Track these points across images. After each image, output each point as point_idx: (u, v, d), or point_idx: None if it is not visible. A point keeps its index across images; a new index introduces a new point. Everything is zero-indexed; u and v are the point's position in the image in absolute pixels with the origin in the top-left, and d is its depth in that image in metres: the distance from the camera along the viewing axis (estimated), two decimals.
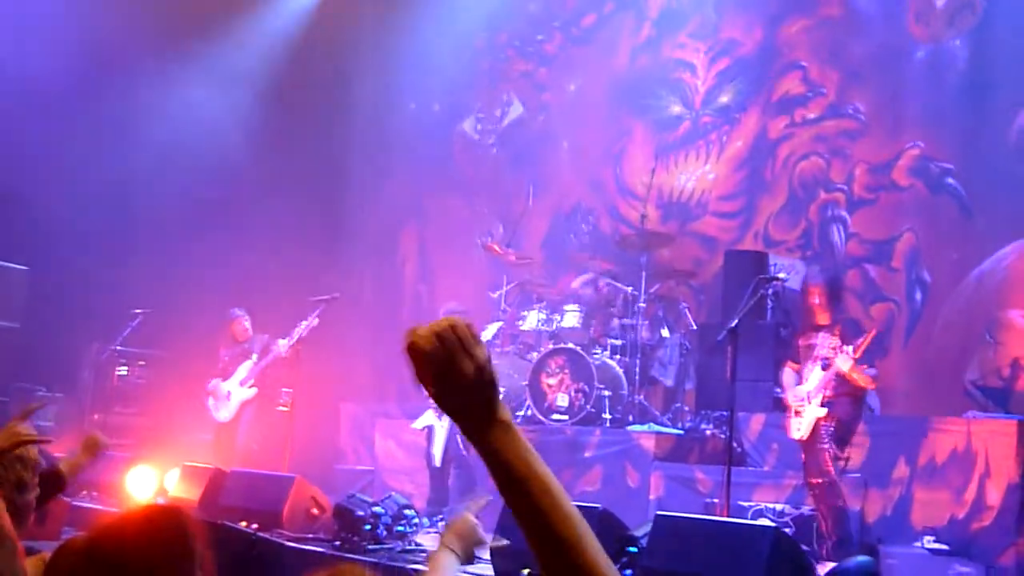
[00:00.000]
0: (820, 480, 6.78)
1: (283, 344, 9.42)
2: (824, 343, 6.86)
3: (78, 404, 11.48)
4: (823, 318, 6.91)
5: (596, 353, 9.06)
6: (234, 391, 9.84)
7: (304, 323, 9.16)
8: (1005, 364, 7.98)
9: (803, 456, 6.94)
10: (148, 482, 8.49)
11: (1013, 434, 6.89)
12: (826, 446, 6.79)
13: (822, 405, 6.71)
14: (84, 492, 8.61)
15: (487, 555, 6.31)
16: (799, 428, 6.84)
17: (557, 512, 1.57)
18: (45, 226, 10.91)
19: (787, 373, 7.14)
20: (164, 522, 2.25)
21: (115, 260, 11.01)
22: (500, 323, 9.06)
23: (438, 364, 1.52)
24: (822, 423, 6.78)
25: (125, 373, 11.42)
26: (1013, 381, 7.90)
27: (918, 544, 6.92)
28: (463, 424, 1.56)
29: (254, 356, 9.84)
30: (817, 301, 6.90)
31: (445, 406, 1.56)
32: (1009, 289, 8.13)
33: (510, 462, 1.57)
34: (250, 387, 9.80)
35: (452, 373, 1.53)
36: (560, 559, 1.56)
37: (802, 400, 6.82)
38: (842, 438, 6.86)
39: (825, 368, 6.74)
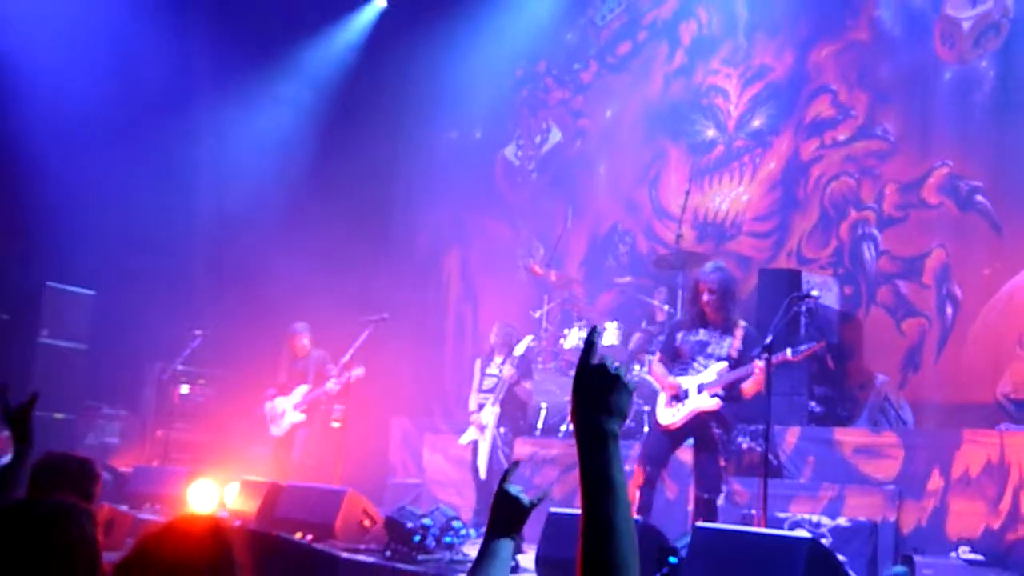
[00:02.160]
0: (708, 496, 6.68)
1: (332, 385, 9.55)
2: (719, 342, 6.78)
3: (141, 421, 11.62)
4: (714, 316, 6.83)
5: (635, 369, 9.02)
6: (288, 411, 9.89)
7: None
8: None
9: (645, 446, 6.96)
10: (208, 496, 8.54)
11: None
12: (722, 463, 6.75)
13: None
14: (147, 505, 8.71)
15: (532, 564, 6.30)
16: (675, 415, 6.77)
17: (616, 519, 1.77)
18: (109, 252, 11.07)
19: (657, 364, 7.09)
20: (205, 531, 2.27)
21: (176, 283, 11.14)
22: (531, 336, 9.02)
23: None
24: (714, 429, 6.70)
25: (186, 391, 11.53)
26: None
27: (953, 555, 6.79)
28: (592, 410, 1.85)
29: (307, 386, 9.86)
30: (706, 299, 6.81)
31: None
32: None
33: (599, 458, 1.81)
34: (302, 412, 9.85)
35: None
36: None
37: (681, 388, 6.75)
38: (726, 446, 6.90)
39: (733, 366, 6.66)
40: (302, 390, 9.87)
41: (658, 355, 7.22)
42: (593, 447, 1.82)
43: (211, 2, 11.26)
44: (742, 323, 6.90)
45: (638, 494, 6.74)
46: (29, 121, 10.86)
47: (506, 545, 2.50)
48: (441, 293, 12.83)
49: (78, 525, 2.38)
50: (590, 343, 1.91)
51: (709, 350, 6.84)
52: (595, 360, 1.89)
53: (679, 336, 6.99)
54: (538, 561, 6.23)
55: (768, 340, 6.51)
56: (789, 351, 6.50)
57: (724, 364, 6.76)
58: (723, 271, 7.03)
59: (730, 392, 6.75)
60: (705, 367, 6.82)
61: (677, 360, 6.95)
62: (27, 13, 10.80)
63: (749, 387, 6.66)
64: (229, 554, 2.25)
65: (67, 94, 10.71)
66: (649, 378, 8.96)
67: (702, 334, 6.89)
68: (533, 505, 2.54)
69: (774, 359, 6.46)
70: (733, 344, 6.74)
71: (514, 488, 2.53)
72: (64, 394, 10.96)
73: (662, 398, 6.93)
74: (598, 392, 1.86)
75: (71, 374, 11.11)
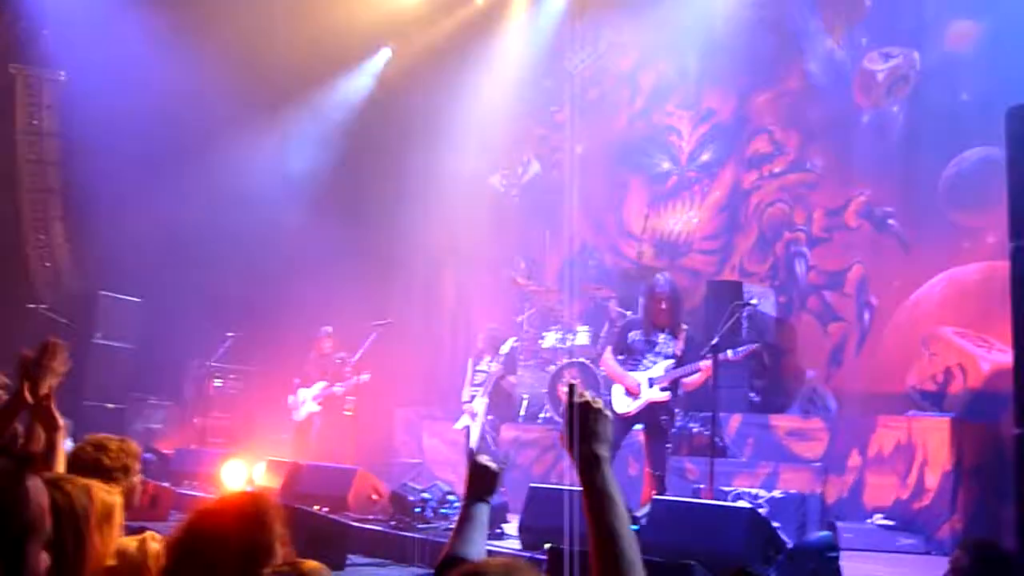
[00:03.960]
0: (659, 473, 6.74)
1: (338, 388, 9.70)
2: (667, 342, 6.87)
3: (182, 410, 11.60)
4: (665, 322, 6.93)
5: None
6: (307, 402, 9.96)
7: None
8: (939, 372, 7.95)
9: (644, 443, 6.96)
10: (239, 473, 8.54)
11: (946, 429, 6.89)
12: (669, 446, 6.88)
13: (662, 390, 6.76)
14: (187, 482, 8.71)
15: (515, 531, 6.37)
16: (630, 405, 6.79)
17: (619, 527, 1.82)
18: (154, 265, 11.07)
19: (609, 357, 7.10)
20: (250, 505, 2.30)
21: (211, 293, 11.13)
22: (515, 338, 9.09)
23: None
24: (662, 417, 6.80)
25: (220, 384, 11.52)
26: (946, 385, 7.87)
27: (869, 521, 6.92)
28: (584, 440, 1.92)
29: (325, 382, 9.94)
30: (664, 307, 6.90)
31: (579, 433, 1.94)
32: (940, 310, 8.10)
33: (597, 479, 1.86)
34: (318, 403, 9.93)
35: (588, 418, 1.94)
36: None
37: (636, 384, 6.79)
38: (669, 432, 7.07)
39: (677, 364, 6.75)
40: (320, 385, 9.94)
41: (609, 349, 7.24)
42: (592, 470, 1.87)
43: (244, 55, 11.29)
44: (684, 327, 7.01)
45: None
46: (89, 158, 10.91)
47: (483, 508, 2.53)
48: (439, 301, 12.86)
49: (65, 496, 2.30)
50: (571, 388, 1.99)
51: (657, 349, 6.91)
52: (577, 399, 1.95)
53: (631, 335, 7.03)
54: (521, 528, 6.30)
55: (715, 341, 6.61)
56: (730, 352, 6.60)
57: (671, 361, 6.84)
58: (672, 283, 7.13)
59: (674, 386, 6.85)
60: (653, 363, 6.87)
61: (628, 355, 6.98)
62: (97, 65, 10.87)
63: (692, 382, 6.76)
64: (270, 526, 2.27)
65: (120, 136, 10.72)
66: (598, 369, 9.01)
67: (652, 336, 6.96)
68: (500, 470, 2.60)
69: (720, 358, 6.57)
70: (678, 345, 6.85)
71: (483, 458, 2.60)
72: (115, 387, 10.98)
73: (618, 389, 6.96)
74: (585, 425, 1.92)
75: (121, 370, 11.13)
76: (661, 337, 6.92)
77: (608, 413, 1.97)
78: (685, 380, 6.81)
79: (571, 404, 1.95)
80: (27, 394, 3.09)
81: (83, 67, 11.17)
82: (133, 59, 10.89)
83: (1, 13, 11.26)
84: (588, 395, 1.97)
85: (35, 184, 11.75)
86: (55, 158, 11.74)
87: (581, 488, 1.88)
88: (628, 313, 9.22)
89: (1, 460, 1.79)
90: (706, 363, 6.60)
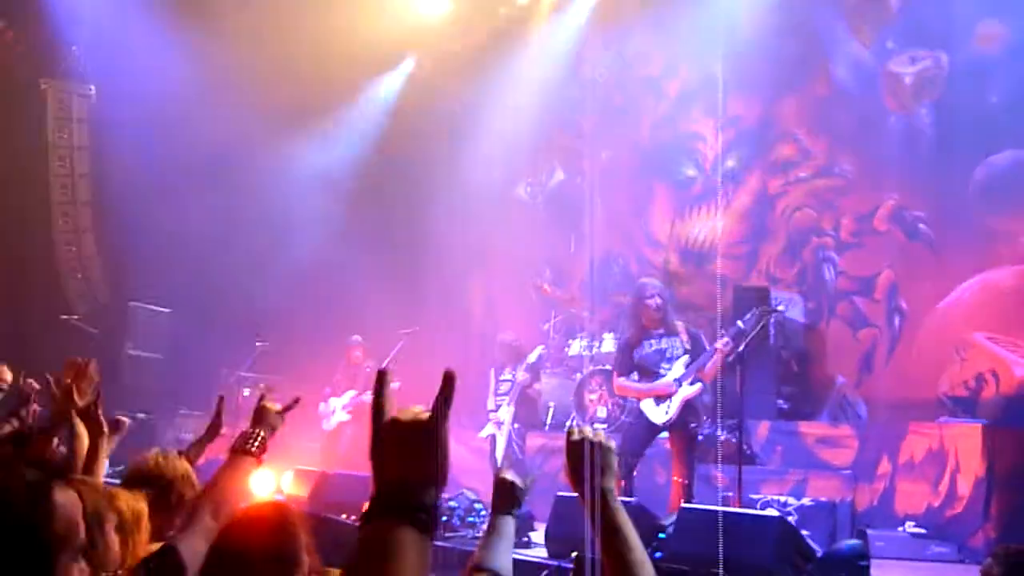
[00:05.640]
0: (686, 481, 6.65)
1: (368, 396, 9.67)
2: (671, 344, 6.77)
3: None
4: (657, 323, 6.81)
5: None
6: (337, 411, 10.00)
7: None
8: (971, 377, 7.87)
9: (672, 450, 6.82)
10: (267, 483, 8.56)
11: (979, 436, 6.80)
12: (695, 453, 6.78)
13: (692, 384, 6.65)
14: None
15: (542, 540, 6.36)
16: (668, 411, 6.67)
17: (634, 561, 1.83)
18: (183, 277, 11.18)
19: (623, 381, 6.93)
20: (275, 515, 2.32)
21: (239, 303, 11.22)
22: (542, 346, 9.08)
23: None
24: (691, 423, 6.70)
25: (249, 394, 11.59)
26: (978, 391, 7.78)
27: (901, 529, 6.84)
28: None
29: (355, 391, 9.98)
30: (657, 304, 6.78)
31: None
32: (972, 315, 8.01)
33: (607, 514, 1.87)
34: (348, 412, 9.96)
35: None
36: None
37: (668, 386, 6.68)
38: (697, 438, 6.95)
39: (695, 357, 6.66)
40: (350, 394, 9.98)
41: (616, 373, 7.05)
42: (601, 506, 1.88)
43: (270, 65, 11.41)
44: (679, 323, 6.94)
45: (622, 483, 6.75)
46: (118, 170, 11.07)
47: (508, 522, 2.57)
48: (465, 309, 12.87)
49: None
50: (568, 432, 1.99)
51: (668, 354, 6.84)
52: (576, 437, 1.96)
53: (635, 353, 6.89)
54: (547, 537, 6.29)
55: (741, 347, 6.55)
56: (721, 343, 6.54)
57: (686, 357, 6.79)
58: (660, 285, 7.09)
59: (695, 379, 6.78)
60: (669, 369, 6.82)
61: (644, 373, 6.86)
62: (125, 78, 11.04)
63: (712, 367, 6.67)
64: (295, 535, 2.30)
65: (148, 147, 10.86)
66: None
67: (654, 344, 6.85)
68: (527, 487, 2.62)
69: (722, 346, 6.50)
70: (683, 339, 6.80)
71: (510, 475, 2.62)
72: (146, 397, 11.07)
73: (648, 402, 6.85)
74: (591, 463, 1.92)
75: (152, 380, 11.23)
76: (664, 342, 6.85)
77: (611, 444, 1.96)
78: (704, 371, 6.74)
79: (571, 445, 1.95)
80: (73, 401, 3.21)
81: (112, 80, 11.33)
82: (160, 71, 11.03)
83: (32, 29, 11.45)
84: (588, 432, 1.97)
85: (66, 196, 11.93)
86: (85, 171, 11.91)
87: (590, 519, 1.88)
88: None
89: (30, 472, 1.79)
90: (720, 342, 6.54)
